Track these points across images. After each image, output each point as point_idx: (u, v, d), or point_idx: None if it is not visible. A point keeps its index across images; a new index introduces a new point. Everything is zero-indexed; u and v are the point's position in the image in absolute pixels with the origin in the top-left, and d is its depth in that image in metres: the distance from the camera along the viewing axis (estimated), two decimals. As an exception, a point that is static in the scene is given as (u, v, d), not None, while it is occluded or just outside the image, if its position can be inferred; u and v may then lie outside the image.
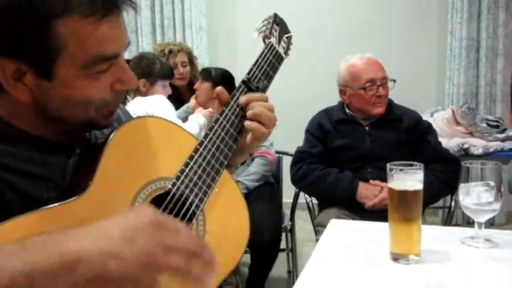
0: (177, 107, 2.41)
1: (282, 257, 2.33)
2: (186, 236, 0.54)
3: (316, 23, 3.64)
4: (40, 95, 0.65)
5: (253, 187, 2.21)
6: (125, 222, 0.52)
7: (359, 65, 1.92)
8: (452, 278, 0.85)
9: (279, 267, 2.46)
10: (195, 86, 2.54)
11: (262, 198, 2.17)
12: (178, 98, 2.69)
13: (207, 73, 2.50)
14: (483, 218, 0.98)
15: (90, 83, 0.66)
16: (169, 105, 2.19)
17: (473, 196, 0.96)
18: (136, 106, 2.09)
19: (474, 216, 0.98)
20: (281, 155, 2.52)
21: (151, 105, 2.08)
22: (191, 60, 2.87)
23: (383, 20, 3.54)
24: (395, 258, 0.92)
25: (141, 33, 3.82)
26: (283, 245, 2.32)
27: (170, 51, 2.75)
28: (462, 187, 0.98)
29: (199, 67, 2.98)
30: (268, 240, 2.07)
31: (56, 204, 0.62)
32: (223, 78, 2.57)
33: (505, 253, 0.95)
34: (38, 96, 0.65)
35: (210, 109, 2.35)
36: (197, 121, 2.25)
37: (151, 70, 2.28)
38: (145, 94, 2.24)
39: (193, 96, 2.57)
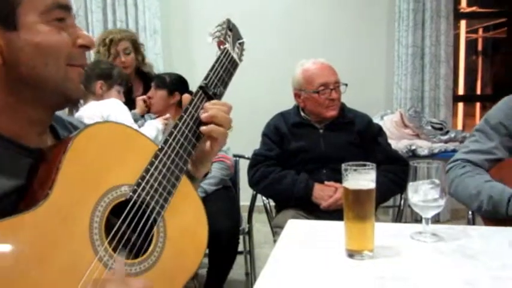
0: (126, 101, 2.34)
1: (239, 259, 2.34)
2: None
3: (270, 28, 3.70)
4: (11, 51, 0.68)
5: (211, 191, 2.22)
6: None
7: (313, 70, 1.98)
8: (403, 271, 0.90)
9: (237, 269, 2.47)
10: (149, 94, 2.47)
11: (220, 201, 2.18)
12: (128, 90, 2.58)
13: (161, 81, 2.46)
14: (430, 214, 1.05)
15: (52, 31, 0.70)
16: (125, 110, 2.15)
17: (421, 194, 1.03)
18: (91, 109, 2.04)
19: (422, 212, 1.05)
20: (238, 159, 2.53)
21: (107, 109, 2.04)
22: (135, 46, 2.72)
23: (335, 27, 3.66)
24: (351, 254, 0.97)
25: (92, 31, 3.70)
26: (240, 248, 2.34)
27: (111, 41, 2.63)
28: (410, 185, 1.05)
29: (155, 71, 2.93)
30: (227, 243, 2.08)
31: (15, 215, 0.60)
32: (178, 84, 2.55)
33: (450, 246, 1.02)
34: (8, 54, 0.68)
35: (168, 115, 2.33)
36: (155, 126, 2.23)
37: (109, 74, 2.23)
38: (100, 97, 2.19)
39: (140, 100, 2.52)
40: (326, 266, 0.94)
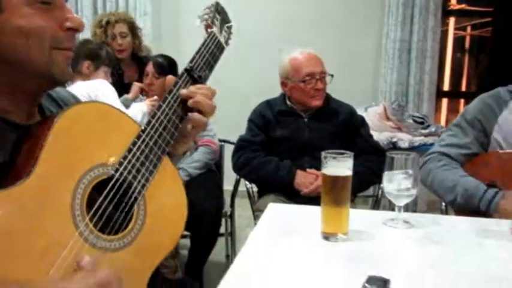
0: (116, 85, 2.33)
1: (221, 241, 2.39)
2: None
3: (260, 16, 3.72)
4: None
5: (196, 174, 2.26)
6: None
7: (300, 59, 2.02)
8: (374, 253, 0.96)
9: (218, 251, 2.52)
10: (148, 82, 2.46)
11: (204, 184, 2.22)
12: (118, 75, 2.58)
13: (161, 68, 2.44)
14: (402, 202, 1.10)
15: (36, 14, 0.69)
16: (112, 91, 2.16)
17: (395, 183, 1.08)
18: (78, 90, 2.04)
19: (395, 200, 1.11)
20: (223, 143, 2.57)
21: (94, 90, 2.04)
22: (132, 30, 2.68)
23: (325, 18, 3.68)
24: (326, 237, 1.02)
25: (81, 16, 3.67)
26: (222, 230, 2.39)
27: (108, 22, 2.59)
28: (386, 175, 1.11)
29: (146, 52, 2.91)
30: (209, 225, 2.12)
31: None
32: (175, 68, 2.57)
33: (419, 233, 1.08)
34: None
35: (155, 97, 2.35)
36: (140, 109, 2.24)
37: (97, 54, 2.23)
38: (87, 77, 2.19)
39: (137, 86, 2.51)
40: (302, 247, 0.99)
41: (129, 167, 0.76)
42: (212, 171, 2.43)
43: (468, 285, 0.81)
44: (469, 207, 1.42)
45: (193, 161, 2.28)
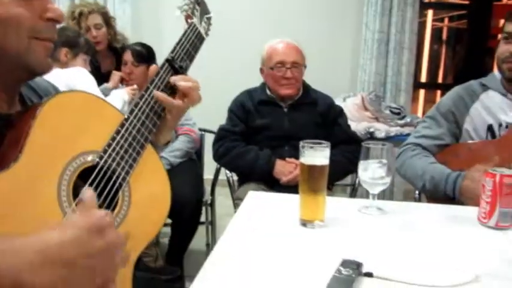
0: (94, 76, 2.31)
1: (201, 230, 2.41)
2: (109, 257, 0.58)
3: (241, 7, 3.71)
4: None
5: (177, 163, 2.27)
6: (48, 247, 0.53)
7: (275, 47, 2.05)
8: (349, 238, 1.00)
9: (198, 240, 2.55)
10: (127, 71, 2.45)
11: (185, 173, 2.24)
12: (94, 67, 2.53)
13: (140, 56, 2.44)
14: (377, 190, 1.15)
15: (13, 2, 0.68)
16: (91, 79, 2.14)
17: (370, 172, 1.13)
18: (56, 77, 2.01)
19: (370, 188, 1.15)
20: (203, 133, 2.59)
21: (72, 78, 2.02)
22: (107, 20, 2.64)
23: (306, 8, 3.70)
24: (304, 223, 1.06)
25: (58, 3, 3.59)
26: (202, 219, 2.41)
27: (80, 14, 2.54)
28: (361, 164, 1.15)
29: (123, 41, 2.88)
30: (189, 213, 2.15)
31: None
32: (154, 55, 2.56)
33: (391, 219, 1.13)
34: None
35: (135, 85, 2.34)
36: (120, 97, 2.23)
37: (75, 41, 2.20)
38: (65, 65, 2.16)
39: (116, 75, 2.50)
40: (281, 233, 1.02)
41: (113, 154, 0.78)
42: (192, 160, 2.45)
43: (436, 268, 0.86)
44: (438, 194, 1.48)
45: (174, 150, 2.29)
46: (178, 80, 0.89)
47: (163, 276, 2.17)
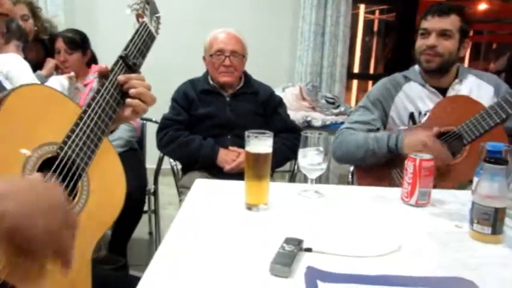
0: None
1: (143, 219, 2.42)
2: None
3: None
4: None
5: (119, 152, 2.24)
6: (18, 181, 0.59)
7: (216, 36, 2.11)
8: (290, 219, 1.09)
9: (141, 228, 2.56)
10: (61, 58, 2.40)
11: (128, 162, 2.20)
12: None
13: (73, 43, 2.40)
14: (314, 175, 1.26)
15: None
16: (26, 66, 2.06)
17: (308, 158, 1.23)
18: (-11, 64, 1.93)
19: (308, 174, 1.26)
20: (145, 122, 2.58)
21: (7, 64, 1.94)
22: (33, 11, 2.54)
23: (244, 1, 3.76)
24: (249, 207, 1.14)
25: None
26: (145, 208, 2.42)
27: None
28: (300, 151, 1.25)
29: (58, 26, 2.77)
30: (133, 203, 2.15)
31: None
32: (87, 41, 2.51)
33: (328, 201, 1.25)
34: None
35: (72, 73, 2.28)
36: (59, 82, 2.17)
37: (7, 27, 2.09)
38: None
39: (51, 62, 2.42)
40: (228, 217, 1.10)
41: (73, 145, 0.81)
42: (134, 150, 2.44)
43: (365, 241, 0.98)
44: (380, 152, 1.64)
45: (115, 139, 2.27)
46: (128, 88, 0.93)
47: (106, 266, 2.17)
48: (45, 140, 0.78)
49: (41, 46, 2.60)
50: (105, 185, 0.90)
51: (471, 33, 1.78)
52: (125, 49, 0.97)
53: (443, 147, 1.58)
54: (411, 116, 1.77)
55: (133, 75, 0.95)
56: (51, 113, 0.81)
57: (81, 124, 0.84)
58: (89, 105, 0.87)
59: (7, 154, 0.72)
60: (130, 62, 0.95)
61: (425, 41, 1.71)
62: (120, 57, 0.95)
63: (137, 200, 2.19)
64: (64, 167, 0.80)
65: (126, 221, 2.22)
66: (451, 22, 1.69)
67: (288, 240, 0.90)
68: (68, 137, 0.82)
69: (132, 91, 0.92)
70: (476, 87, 1.76)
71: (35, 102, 0.79)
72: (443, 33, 1.69)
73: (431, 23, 1.70)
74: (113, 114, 0.91)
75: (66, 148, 0.81)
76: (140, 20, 1.04)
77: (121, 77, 0.93)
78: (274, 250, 0.87)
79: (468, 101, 1.67)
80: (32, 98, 0.79)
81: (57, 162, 0.79)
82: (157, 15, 1.11)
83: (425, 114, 1.74)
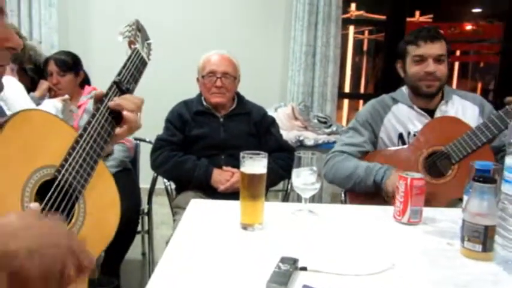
0: None
1: (136, 239, 2.41)
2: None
3: (175, 18, 3.76)
4: None
5: (113, 172, 2.25)
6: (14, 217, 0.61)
7: (209, 58, 2.15)
8: (285, 239, 1.11)
9: (133, 249, 2.54)
10: (54, 81, 2.42)
11: (121, 183, 2.19)
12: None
13: (65, 65, 2.43)
14: (308, 195, 1.28)
15: None
16: (21, 88, 2.08)
17: (302, 178, 1.25)
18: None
19: (302, 193, 1.28)
20: (138, 142, 2.59)
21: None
22: (17, 33, 2.56)
23: (237, 22, 3.84)
24: (244, 227, 1.16)
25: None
26: (138, 228, 2.41)
27: None
28: (294, 171, 1.27)
29: (49, 49, 2.79)
30: (127, 224, 2.14)
31: None
32: (79, 62, 2.54)
33: (322, 220, 1.27)
34: None
35: (66, 96, 2.30)
36: (53, 105, 2.18)
37: None
38: None
39: (44, 84, 2.44)
40: (224, 236, 1.11)
41: (70, 168, 0.83)
42: (128, 170, 2.45)
43: (359, 260, 0.99)
44: (367, 182, 1.66)
45: (109, 160, 2.28)
46: (115, 104, 0.95)
47: (99, 287, 2.15)
48: (43, 163, 0.80)
49: (24, 74, 2.59)
50: (101, 206, 0.91)
51: (457, 53, 1.83)
52: (118, 74, 1.00)
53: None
54: (400, 137, 1.81)
55: (126, 97, 0.97)
56: (48, 136, 0.83)
57: (77, 147, 0.86)
58: (84, 129, 0.89)
59: (7, 178, 0.73)
60: (123, 87, 0.98)
61: (423, 67, 1.74)
62: (114, 82, 0.98)
63: (131, 220, 2.18)
64: (62, 189, 0.82)
65: (119, 241, 2.18)
66: (441, 47, 1.74)
67: (283, 260, 0.92)
68: (66, 160, 0.83)
69: (111, 103, 0.94)
70: (461, 108, 1.81)
71: (33, 127, 0.81)
72: (439, 58, 1.74)
73: (426, 49, 1.73)
74: (108, 137, 0.93)
75: (63, 171, 0.82)
76: (132, 46, 1.07)
77: (111, 104, 0.95)
78: (270, 269, 0.88)
79: (455, 121, 1.72)
80: (31, 122, 0.80)
81: (55, 185, 0.80)
82: (148, 41, 1.14)
83: (414, 135, 1.78)
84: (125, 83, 0.99)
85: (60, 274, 0.60)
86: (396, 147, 1.79)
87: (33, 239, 0.58)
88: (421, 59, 1.75)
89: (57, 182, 0.81)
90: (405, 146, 1.77)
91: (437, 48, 1.73)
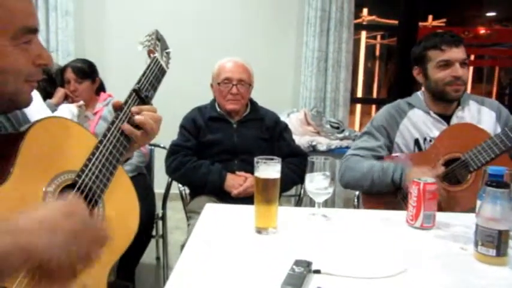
0: None
1: (151, 243, 2.44)
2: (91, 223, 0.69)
3: (188, 25, 3.81)
4: None
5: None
6: (41, 216, 0.63)
7: (224, 65, 2.17)
8: (299, 242, 1.12)
9: (148, 253, 2.57)
10: (71, 88, 2.48)
11: (136, 188, 2.25)
12: None
13: (82, 72, 2.49)
14: (321, 199, 1.29)
15: (19, 54, 0.76)
16: (39, 96, 2.13)
17: (315, 183, 1.27)
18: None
19: (315, 197, 1.29)
20: (153, 147, 2.63)
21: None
22: None
23: (250, 28, 3.89)
24: (259, 231, 1.17)
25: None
26: (153, 233, 2.44)
27: None
28: (307, 176, 1.29)
29: (66, 56, 2.86)
30: (141, 228, 2.16)
31: None
32: (95, 69, 2.60)
33: (335, 224, 1.28)
34: None
35: (81, 102, 2.36)
36: (69, 110, 2.23)
37: None
38: None
39: (61, 91, 2.50)
40: (238, 240, 1.13)
41: (89, 173, 0.86)
42: (143, 175, 2.48)
43: (372, 263, 1.00)
44: (384, 183, 1.65)
45: (125, 165, 2.32)
46: (137, 115, 0.98)
47: (115, 291, 2.18)
48: (64, 169, 0.83)
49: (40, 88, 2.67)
50: (120, 211, 0.94)
51: (472, 57, 1.83)
52: (138, 82, 1.03)
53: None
54: (416, 142, 1.80)
55: (145, 106, 1.00)
56: (68, 142, 0.86)
57: (97, 153, 0.89)
58: (104, 136, 0.92)
59: (30, 182, 0.76)
60: (142, 94, 1.01)
61: (450, 72, 1.72)
62: (134, 90, 1.01)
63: (145, 225, 2.21)
64: (81, 193, 0.85)
65: (134, 246, 2.22)
66: (464, 51, 1.74)
67: (297, 263, 0.93)
68: (86, 165, 0.86)
69: (136, 117, 0.97)
70: (477, 113, 1.80)
71: (53, 134, 0.84)
72: (464, 62, 1.73)
73: (452, 53, 1.72)
74: (127, 143, 0.96)
75: (83, 176, 0.85)
76: (152, 55, 1.10)
77: (134, 108, 0.98)
78: (284, 272, 0.90)
79: (474, 128, 1.70)
80: (51, 129, 0.84)
81: (75, 190, 0.83)
82: (167, 50, 1.18)
83: (430, 141, 1.77)
84: (143, 91, 1.02)
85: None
86: (412, 153, 1.79)
87: (52, 234, 0.61)
88: (447, 64, 1.73)
89: (77, 186, 0.83)
90: (422, 152, 1.77)
91: (462, 52, 1.73)
